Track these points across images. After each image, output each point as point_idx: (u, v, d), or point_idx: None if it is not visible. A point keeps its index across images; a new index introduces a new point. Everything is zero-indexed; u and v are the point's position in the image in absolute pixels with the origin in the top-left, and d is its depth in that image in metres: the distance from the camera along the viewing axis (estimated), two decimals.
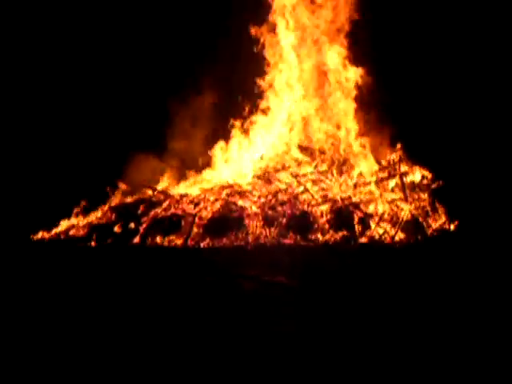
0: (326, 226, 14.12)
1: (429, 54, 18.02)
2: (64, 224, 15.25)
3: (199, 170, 16.54)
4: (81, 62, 19.22)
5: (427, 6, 17.86)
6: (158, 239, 14.07)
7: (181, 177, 16.52)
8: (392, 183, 15.30)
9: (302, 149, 15.89)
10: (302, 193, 14.90)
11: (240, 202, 14.58)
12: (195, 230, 14.12)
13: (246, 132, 16.54)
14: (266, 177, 15.34)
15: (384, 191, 15.12)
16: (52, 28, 18.97)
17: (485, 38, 18.04)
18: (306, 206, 14.50)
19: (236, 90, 16.87)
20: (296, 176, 15.25)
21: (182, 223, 14.32)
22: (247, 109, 16.60)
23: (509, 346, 6.78)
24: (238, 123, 16.54)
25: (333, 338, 7.17)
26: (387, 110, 16.08)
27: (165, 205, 14.92)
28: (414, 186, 15.22)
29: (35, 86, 18.86)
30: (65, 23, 19.16)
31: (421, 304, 8.58)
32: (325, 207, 14.47)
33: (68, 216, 15.43)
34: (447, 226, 14.57)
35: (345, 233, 13.95)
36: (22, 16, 19.22)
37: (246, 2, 16.01)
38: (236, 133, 16.53)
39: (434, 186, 15.25)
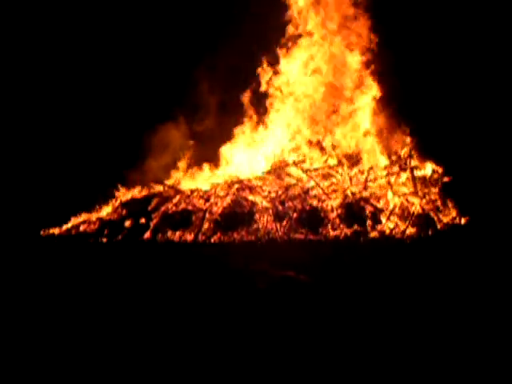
0: (337, 220, 14.11)
1: (439, 52, 17.92)
2: (75, 219, 15.31)
3: (210, 165, 16.53)
4: (81, 65, 19.25)
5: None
6: (169, 234, 14.10)
7: (192, 172, 16.52)
8: (403, 177, 15.24)
9: (312, 144, 15.86)
10: (313, 188, 14.88)
11: (250, 197, 14.59)
12: (206, 225, 14.14)
13: (256, 128, 16.53)
14: (276, 172, 15.32)
15: (395, 185, 15.07)
16: (52, 30, 18.98)
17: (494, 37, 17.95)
18: (316, 201, 14.49)
19: (246, 86, 16.89)
20: (306, 171, 15.23)
21: (193, 218, 14.35)
22: (257, 105, 16.61)
23: None
24: (248, 119, 16.54)
25: (344, 332, 7.18)
26: (398, 105, 16.04)
27: (175, 200, 14.94)
28: (424, 181, 15.17)
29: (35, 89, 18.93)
30: (65, 25, 19.18)
31: (431, 298, 8.56)
32: (335, 202, 14.46)
33: (79, 211, 15.48)
34: (458, 221, 14.51)
35: (356, 227, 13.94)
36: (21, 16, 19.23)
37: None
38: (246, 128, 16.53)
39: (444, 180, 15.18)
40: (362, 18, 16.18)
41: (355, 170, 15.49)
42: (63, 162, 17.88)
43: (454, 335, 7.02)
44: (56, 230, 15.02)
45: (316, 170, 15.36)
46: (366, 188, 14.98)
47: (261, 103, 16.67)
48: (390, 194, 14.85)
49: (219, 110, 17.35)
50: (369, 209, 14.37)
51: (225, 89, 17.36)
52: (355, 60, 16.22)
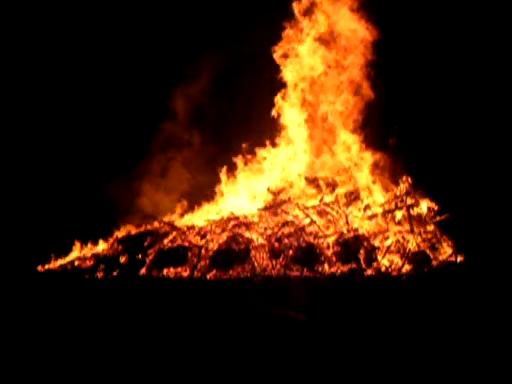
0: (333, 258, 14.10)
1: (435, 91, 18.17)
2: (70, 255, 15.26)
3: (206, 201, 16.54)
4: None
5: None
6: (165, 271, 14.06)
7: (187, 208, 16.53)
8: (399, 215, 15.29)
9: (309, 181, 15.92)
10: (309, 225, 14.89)
11: (246, 234, 14.59)
12: (202, 261, 14.12)
13: (252, 164, 16.59)
14: (272, 208, 15.35)
15: (391, 223, 15.10)
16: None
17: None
18: (312, 238, 14.49)
19: (243, 122, 17.01)
20: (303, 208, 15.26)
21: (189, 255, 14.31)
22: (254, 141, 16.69)
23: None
24: (245, 155, 16.62)
25: (340, 370, 7.13)
26: (395, 143, 16.17)
27: (171, 236, 14.92)
28: (420, 218, 15.21)
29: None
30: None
31: (427, 335, 8.54)
32: (331, 239, 14.47)
33: (74, 247, 15.44)
34: (454, 259, 14.52)
35: (351, 265, 13.92)
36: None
37: None
38: (243, 165, 16.59)
39: (440, 218, 15.24)
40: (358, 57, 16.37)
41: (351, 207, 15.51)
42: (57, 198, 17.89)
43: (451, 373, 6.99)
44: (51, 266, 14.97)
45: (312, 207, 15.37)
46: (362, 225, 15.00)
47: (257, 139, 16.75)
48: (386, 232, 14.87)
49: (214, 146, 17.48)
50: (365, 246, 14.36)
51: (221, 126, 17.54)
52: (350, 98, 16.35)
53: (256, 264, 13.91)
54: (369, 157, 16.07)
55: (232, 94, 17.65)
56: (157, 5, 18.73)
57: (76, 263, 14.94)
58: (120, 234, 15.58)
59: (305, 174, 16.13)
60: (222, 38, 17.75)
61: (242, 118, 17.20)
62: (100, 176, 17.76)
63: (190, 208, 16.44)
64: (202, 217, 15.91)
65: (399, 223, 15.16)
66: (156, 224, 15.74)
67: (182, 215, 16.23)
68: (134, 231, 15.59)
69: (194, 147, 17.49)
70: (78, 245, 15.43)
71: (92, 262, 14.75)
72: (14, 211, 17.45)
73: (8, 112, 18.94)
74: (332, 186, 15.84)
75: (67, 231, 16.03)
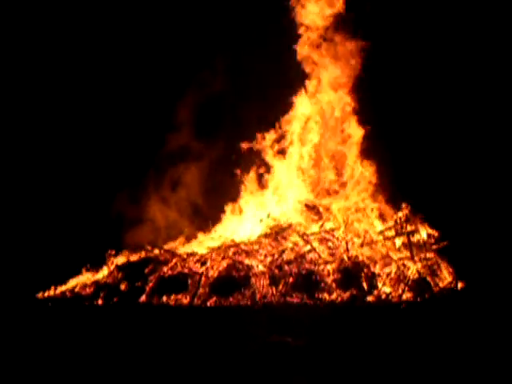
0: (333, 285, 14.09)
1: (433, 120, 18.30)
2: (71, 282, 15.25)
3: (206, 228, 16.58)
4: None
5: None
6: (165, 298, 14.03)
7: (188, 235, 16.56)
8: (399, 242, 15.30)
9: (309, 207, 15.96)
10: (309, 251, 14.90)
11: (247, 261, 14.59)
12: (202, 288, 14.10)
13: (253, 191, 16.65)
14: (272, 235, 15.36)
15: (391, 250, 15.12)
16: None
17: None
18: (312, 265, 14.49)
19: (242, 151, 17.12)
20: (303, 235, 15.28)
21: (189, 282, 14.30)
22: (254, 167, 16.78)
23: None
24: (245, 182, 16.69)
25: None
26: (395, 171, 16.27)
27: (171, 263, 14.92)
28: (420, 245, 15.22)
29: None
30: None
31: (427, 364, 8.50)
32: (331, 266, 14.46)
33: (75, 274, 15.44)
34: (454, 285, 14.50)
35: (352, 292, 13.90)
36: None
37: None
38: (243, 191, 16.66)
39: (440, 244, 15.24)
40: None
41: (351, 234, 15.53)
42: (58, 226, 17.90)
43: None
44: (51, 293, 14.95)
45: (312, 233, 15.39)
46: (362, 252, 15.00)
47: (257, 167, 16.83)
48: (386, 259, 14.87)
49: (214, 175, 17.59)
50: (365, 273, 14.35)
51: (220, 153, 17.66)
52: (352, 130, 16.49)
53: (256, 291, 13.90)
54: (369, 183, 16.14)
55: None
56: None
57: (76, 290, 14.92)
58: (120, 260, 15.58)
59: (305, 200, 16.18)
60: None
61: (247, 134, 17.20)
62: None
63: (193, 231, 16.51)
64: (202, 244, 15.94)
65: (399, 250, 15.17)
66: (156, 251, 15.75)
67: (183, 242, 16.27)
68: (134, 258, 15.59)
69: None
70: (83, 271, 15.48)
71: (92, 289, 14.74)
72: (14, 239, 17.42)
73: (15, 130, 19.04)
74: (332, 212, 15.88)
75: (66, 259, 16.03)
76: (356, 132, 16.37)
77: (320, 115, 16.70)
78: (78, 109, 19.08)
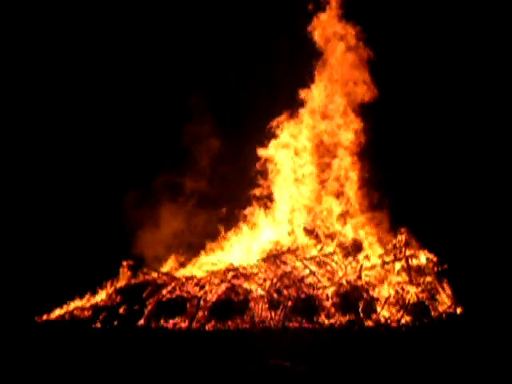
0: (332, 309, 14.07)
1: (433, 144, 18.45)
2: (69, 305, 15.22)
3: (204, 252, 16.58)
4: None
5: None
6: (163, 321, 14.00)
7: (186, 259, 16.57)
8: (398, 266, 15.31)
9: (308, 231, 16.00)
10: (308, 276, 14.90)
11: (245, 285, 14.58)
12: (200, 312, 14.07)
13: (251, 215, 16.69)
14: (271, 259, 15.37)
15: (390, 274, 15.12)
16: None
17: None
18: (311, 289, 14.48)
19: (241, 174, 17.20)
20: (302, 259, 15.29)
21: (187, 306, 14.28)
22: (253, 192, 16.85)
23: None
24: (243, 206, 16.75)
25: None
26: (393, 196, 16.34)
27: (170, 287, 14.91)
28: (419, 269, 15.24)
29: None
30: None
31: None
32: (330, 290, 14.46)
33: (73, 297, 15.43)
34: (453, 310, 14.49)
35: (350, 316, 13.88)
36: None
37: None
38: (242, 216, 16.70)
39: (439, 269, 15.26)
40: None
41: (350, 258, 15.54)
42: (57, 249, 17.91)
43: None
44: (50, 316, 14.92)
45: (311, 258, 15.41)
46: (360, 277, 15.01)
47: (255, 191, 16.89)
48: (384, 283, 14.87)
49: (213, 198, 17.65)
50: (364, 297, 14.35)
51: (219, 177, 17.74)
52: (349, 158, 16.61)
53: (255, 315, 13.87)
54: (368, 208, 16.20)
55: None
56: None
57: (75, 313, 14.89)
58: (119, 284, 15.58)
59: (304, 224, 16.22)
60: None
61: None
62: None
63: (189, 254, 16.52)
64: (200, 267, 15.93)
65: (398, 274, 15.18)
66: (155, 274, 15.76)
67: (181, 265, 16.27)
68: (132, 282, 15.59)
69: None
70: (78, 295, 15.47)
71: (90, 313, 14.71)
72: (13, 264, 17.42)
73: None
74: (331, 236, 15.92)
75: (65, 282, 16.03)
76: (353, 159, 16.49)
77: (314, 143, 16.83)
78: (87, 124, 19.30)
